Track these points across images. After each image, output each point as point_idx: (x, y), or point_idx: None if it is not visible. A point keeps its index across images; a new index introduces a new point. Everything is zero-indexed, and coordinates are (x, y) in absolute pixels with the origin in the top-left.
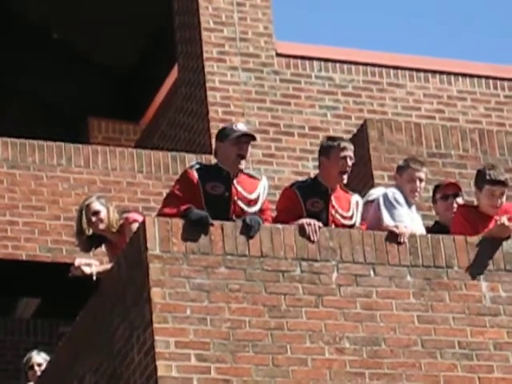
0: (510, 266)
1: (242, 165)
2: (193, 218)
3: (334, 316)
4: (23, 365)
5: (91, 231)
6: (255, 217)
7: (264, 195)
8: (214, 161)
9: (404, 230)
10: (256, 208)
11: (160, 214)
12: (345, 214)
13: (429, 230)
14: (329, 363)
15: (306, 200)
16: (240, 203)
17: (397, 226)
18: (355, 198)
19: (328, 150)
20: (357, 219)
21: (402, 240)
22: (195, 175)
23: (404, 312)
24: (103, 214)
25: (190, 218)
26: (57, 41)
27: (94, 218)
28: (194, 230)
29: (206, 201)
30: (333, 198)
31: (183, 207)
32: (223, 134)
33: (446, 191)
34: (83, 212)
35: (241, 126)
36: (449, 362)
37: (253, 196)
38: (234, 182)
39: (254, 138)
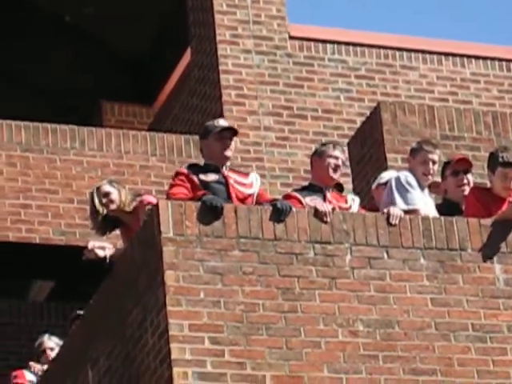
0: None
1: (228, 152)
2: (208, 203)
3: (347, 299)
4: (35, 349)
5: (105, 211)
6: (286, 202)
7: (258, 183)
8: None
9: (396, 212)
10: (251, 191)
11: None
12: (343, 206)
13: (438, 207)
14: (342, 346)
15: (304, 197)
16: (237, 186)
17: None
18: (350, 196)
19: (317, 152)
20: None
21: (393, 222)
22: (186, 170)
23: (417, 295)
24: (114, 196)
25: (206, 203)
26: (69, 25)
27: (104, 200)
28: (208, 212)
29: (204, 188)
30: (328, 195)
31: (200, 192)
32: (206, 132)
33: (456, 167)
34: (94, 195)
35: (222, 122)
36: (462, 344)
37: (247, 181)
38: (224, 171)
39: (236, 133)
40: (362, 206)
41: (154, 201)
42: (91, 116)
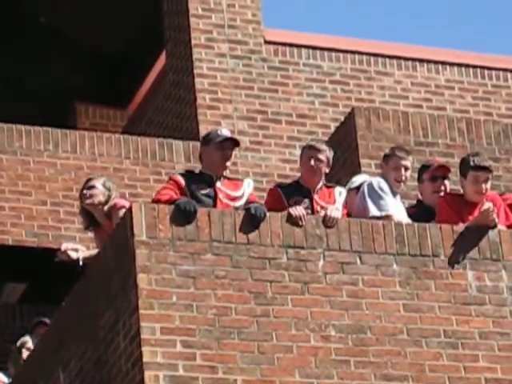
0: (495, 254)
1: (228, 163)
2: (182, 207)
3: (319, 304)
4: (17, 348)
5: (82, 202)
6: (260, 206)
7: (249, 190)
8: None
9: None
10: (241, 203)
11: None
12: (331, 208)
13: (413, 210)
14: (314, 351)
15: (288, 198)
16: (225, 201)
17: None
18: (338, 189)
19: (301, 153)
20: (339, 208)
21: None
22: (180, 178)
23: (390, 300)
24: (96, 191)
25: (179, 207)
26: (44, 26)
27: (85, 191)
28: (181, 216)
29: (192, 198)
30: (316, 197)
31: (175, 197)
32: (208, 139)
33: (435, 173)
34: (83, 187)
35: (225, 132)
36: (434, 350)
37: (237, 194)
38: (218, 184)
39: (237, 144)
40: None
41: (127, 204)
42: (65, 118)
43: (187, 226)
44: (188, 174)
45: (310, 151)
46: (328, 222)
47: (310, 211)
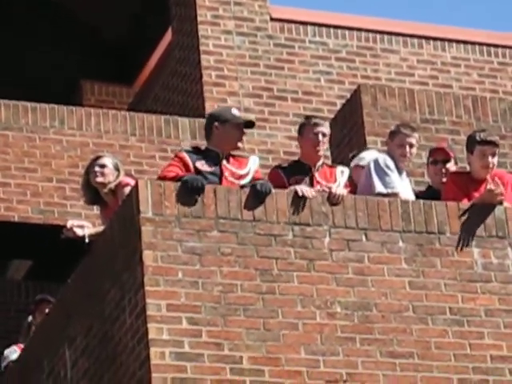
0: (501, 232)
1: (240, 144)
2: (189, 183)
3: (325, 281)
4: (28, 324)
5: (91, 179)
6: (266, 182)
7: (255, 167)
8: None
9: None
10: (247, 180)
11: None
12: (330, 186)
13: (422, 193)
14: (320, 328)
15: (289, 177)
16: (231, 178)
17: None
18: (340, 168)
19: (301, 128)
20: (341, 186)
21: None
22: (186, 155)
23: (395, 277)
24: (107, 171)
25: (187, 184)
26: (51, 4)
27: (97, 168)
28: (187, 193)
29: (197, 175)
30: (316, 174)
31: (182, 173)
32: (224, 117)
33: (435, 156)
34: (92, 163)
35: (236, 111)
36: (440, 328)
37: (243, 171)
38: (224, 161)
39: (253, 125)
40: (350, 180)
41: (132, 182)
42: (71, 95)
43: (193, 203)
44: (194, 151)
45: (315, 127)
46: (333, 199)
47: (313, 188)
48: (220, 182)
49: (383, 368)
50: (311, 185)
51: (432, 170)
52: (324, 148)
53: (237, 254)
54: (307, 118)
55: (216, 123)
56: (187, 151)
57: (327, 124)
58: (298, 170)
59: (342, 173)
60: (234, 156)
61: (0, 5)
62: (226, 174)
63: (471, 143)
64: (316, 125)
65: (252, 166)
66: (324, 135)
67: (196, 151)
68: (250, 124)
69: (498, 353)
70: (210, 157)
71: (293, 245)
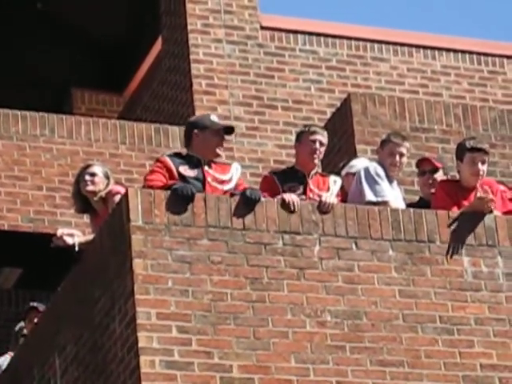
0: (491, 240)
1: (220, 150)
2: (179, 191)
3: (315, 289)
4: (15, 332)
5: (81, 188)
6: (255, 190)
7: (237, 175)
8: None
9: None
10: (230, 187)
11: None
12: (322, 194)
13: (413, 205)
14: (310, 336)
15: (283, 184)
16: (214, 183)
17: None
18: (333, 178)
19: (299, 135)
20: (333, 195)
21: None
22: (168, 160)
23: (385, 286)
24: (98, 179)
25: (177, 192)
26: (41, 11)
27: (87, 177)
28: (177, 201)
29: (181, 180)
30: (310, 182)
31: (171, 181)
32: (202, 124)
33: (422, 167)
34: (82, 172)
35: (216, 118)
36: (430, 336)
37: (226, 177)
38: (206, 167)
39: (232, 131)
40: (342, 189)
41: (122, 190)
42: (61, 103)
43: (183, 211)
44: (176, 156)
45: (313, 135)
46: (323, 208)
47: (303, 197)
48: (203, 187)
49: (373, 377)
50: (304, 192)
51: (421, 181)
52: (320, 157)
53: (227, 262)
54: (306, 126)
55: (195, 130)
56: (169, 156)
57: (325, 134)
58: (292, 177)
59: (335, 182)
60: (215, 162)
61: None
62: (209, 179)
63: (461, 151)
64: (314, 133)
65: (234, 173)
66: (321, 144)
67: (178, 156)
68: (229, 130)
69: (488, 361)
70: (191, 162)
71: (283, 253)
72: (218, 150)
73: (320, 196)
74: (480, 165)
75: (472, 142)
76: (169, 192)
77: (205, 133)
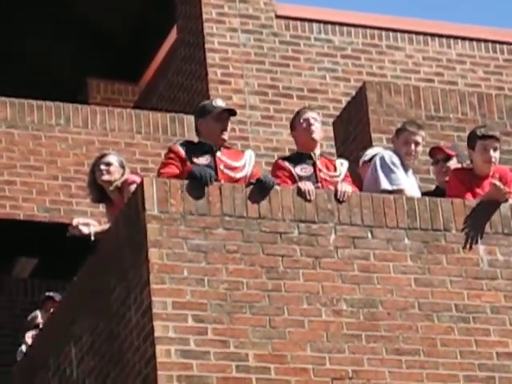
0: (507, 229)
1: (225, 135)
2: (197, 174)
3: (331, 278)
4: (27, 322)
5: (97, 178)
6: (270, 176)
7: (251, 163)
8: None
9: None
10: (242, 174)
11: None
12: (331, 174)
13: (430, 193)
14: (326, 325)
15: (295, 166)
16: (226, 171)
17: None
18: (339, 161)
19: (291, 122)
20: (341, 175)
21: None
22: (180, 149)
23: (401, 275)
24: (113, 169)
25: (195, 174)
26: (56, 2)
27: (102, 166)
28: (193, 190)
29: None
30: (318, 162)
31: (187, 167)
32: (204, 111)
33: (435, 156)
34: (98, 162)
35: (220, 103)
36: (446, 324)
37: (238, 164)
38: (218, 153)
39: (235, 113)
40: (350, 171)
41: (138, 180)
42: (77, 93)
43: (198, 200)
44: (188, 144)
45: (302, 115)
46: (339, 197)
47: (318, 184)
48: (216, 175)
49: (389, 365)
50: (314, 172)
51: (435, 170)
52: (317, 133)
53: (242, 251)
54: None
55: (200, 119)
56: (181, 144)
57: (314, 112)
58: (300, 160)
59: (342, 164)
60: (228, 148)
61: (1, 3)
62: (221, 166)
63: (472, 139)
64: (302, 113)
65: (248, 161)
66: (314, 119)
67: (190, 144)
68: (231, 112)
69: (504, 350)
70: (203, 149)
71: (298, 242)
72: (223, 136)
73: (330, 177)
74: (492, 152)
75: (483, 129)
76: (185, 181)
77: (207, 120)
